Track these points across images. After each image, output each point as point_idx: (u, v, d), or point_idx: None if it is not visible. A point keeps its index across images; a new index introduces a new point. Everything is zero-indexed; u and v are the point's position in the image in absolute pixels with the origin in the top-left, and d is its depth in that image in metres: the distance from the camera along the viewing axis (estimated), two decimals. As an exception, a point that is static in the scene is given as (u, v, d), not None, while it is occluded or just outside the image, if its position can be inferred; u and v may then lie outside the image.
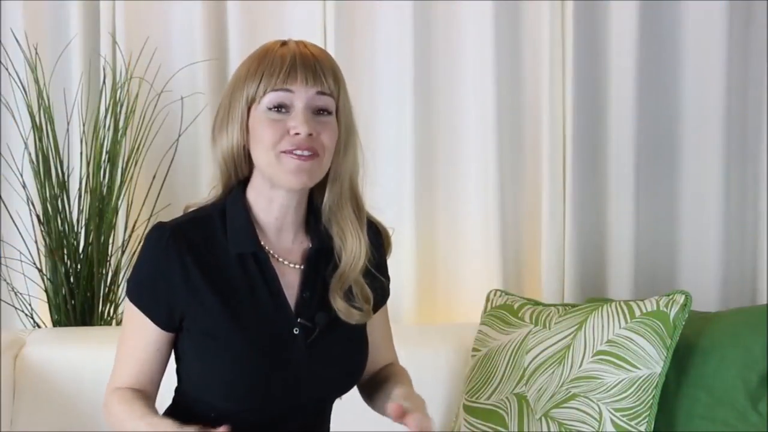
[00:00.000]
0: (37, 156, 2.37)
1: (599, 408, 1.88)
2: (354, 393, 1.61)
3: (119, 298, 2.44)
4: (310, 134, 1.43)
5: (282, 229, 1.53)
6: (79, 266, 2.39)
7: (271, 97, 1.45)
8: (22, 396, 2.15)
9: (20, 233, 2.45)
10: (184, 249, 1.46)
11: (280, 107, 1.45)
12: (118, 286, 2.43)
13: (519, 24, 2.50)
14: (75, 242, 2.39)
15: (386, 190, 2.47)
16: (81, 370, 2.13)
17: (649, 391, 1.87)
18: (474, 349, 2.12)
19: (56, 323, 2.42)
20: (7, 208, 2.47)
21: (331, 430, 1.61)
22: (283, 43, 1.49)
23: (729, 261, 2.49)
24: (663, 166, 2.51)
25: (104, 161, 2.39)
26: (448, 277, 2.55)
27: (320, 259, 1.54)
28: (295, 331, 1.49)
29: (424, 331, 2.32)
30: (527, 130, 2.52)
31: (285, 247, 1.53)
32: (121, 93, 2.40)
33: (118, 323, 2.40)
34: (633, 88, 2.43)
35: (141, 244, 1.52)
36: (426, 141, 2.50)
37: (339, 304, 1.51)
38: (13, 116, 2.42)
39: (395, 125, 2.51)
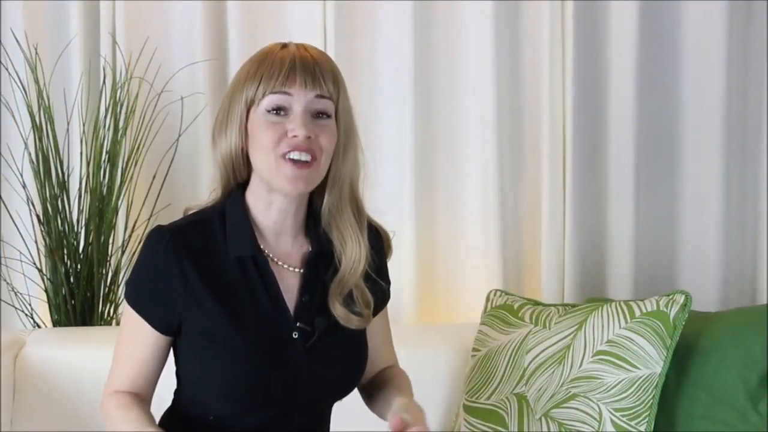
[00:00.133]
0: (37, 156, 2.37)
1: (599, 408, 1.88)
2: (354, 393, 1.61)
3: (119, 298, 2.44)
4: (309, 137, 1.43)
5: (281, 232, 1.52)
6: (79, 266, 2.39)
7: (269, 100, 1.45)
8: (22, 396, 2.15)
9: (20, 233, 2.45)
10: (183, 252, 1.46)
11: (278, 110, 1.45)
12: (118, 286, 2.43)
13: (519, 24, 2.50)
14: (75, 242, 2.39)
15: (386, 190, 2.47)
16: (81, 370, 2.13)
17: (649, 391, 1.87)
18: (474, 349, 2.11)
19: (56, 323, 2.41)
20: (7, 208, 2.47)
21: (330, 430, 1.60)
22: (284, 46, 1.49)
23: (729, 261, 2.49)
24: (663, 166, 2.51)
25: (104, 161, 2.39)
26: (448, 277, 2.55)
27: (320, 262, 1.53)
28: (294, 335, 1.48)
29: (424, 331, 2.32)
30: (527, 130, 2.52)
31: (284, 250, 1.53)
32: (121, 93, 2.40)
33: (118, 323, 2.40)
34: (633, 88, 2.43)
35: (140, 245, 1.51)
36: (426, 141, 2.50)
37: (338, 310, 1.50)
38: (13, 116, 2.42)
39: (395, 125, 2.51)
